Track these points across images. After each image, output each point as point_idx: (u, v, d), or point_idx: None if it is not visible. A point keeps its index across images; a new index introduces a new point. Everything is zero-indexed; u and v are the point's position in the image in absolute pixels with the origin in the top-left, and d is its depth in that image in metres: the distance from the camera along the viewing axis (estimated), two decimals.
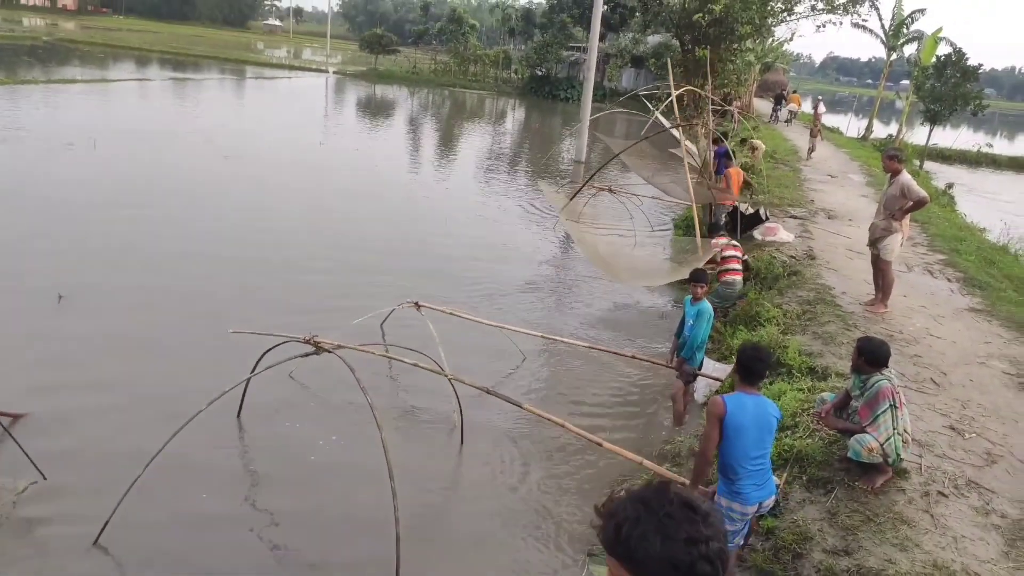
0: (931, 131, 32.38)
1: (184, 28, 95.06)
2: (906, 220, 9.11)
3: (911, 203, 8.89)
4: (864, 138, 38.51)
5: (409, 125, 34.52)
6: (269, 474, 6.50)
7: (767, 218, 13.74)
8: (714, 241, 10.56)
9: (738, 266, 10.19)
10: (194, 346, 8.72)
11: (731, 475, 4.49)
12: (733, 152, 17.49)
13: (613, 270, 11.99)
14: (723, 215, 13.58)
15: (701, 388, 8.42)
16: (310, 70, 58.19)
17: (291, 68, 58.08)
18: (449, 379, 6.71)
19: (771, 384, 7.34)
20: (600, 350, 9.27)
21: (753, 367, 4.53)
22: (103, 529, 5.30)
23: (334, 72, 57.37)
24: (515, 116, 44.77)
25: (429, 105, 45.51)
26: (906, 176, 8.97)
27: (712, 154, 15.81)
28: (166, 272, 10.99)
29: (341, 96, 44.50)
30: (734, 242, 10.59)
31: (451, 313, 8.44)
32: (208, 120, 26.50)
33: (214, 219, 14.07)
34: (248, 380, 6.69)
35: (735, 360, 4.78)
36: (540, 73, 55.00)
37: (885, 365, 5.40)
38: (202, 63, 53.32)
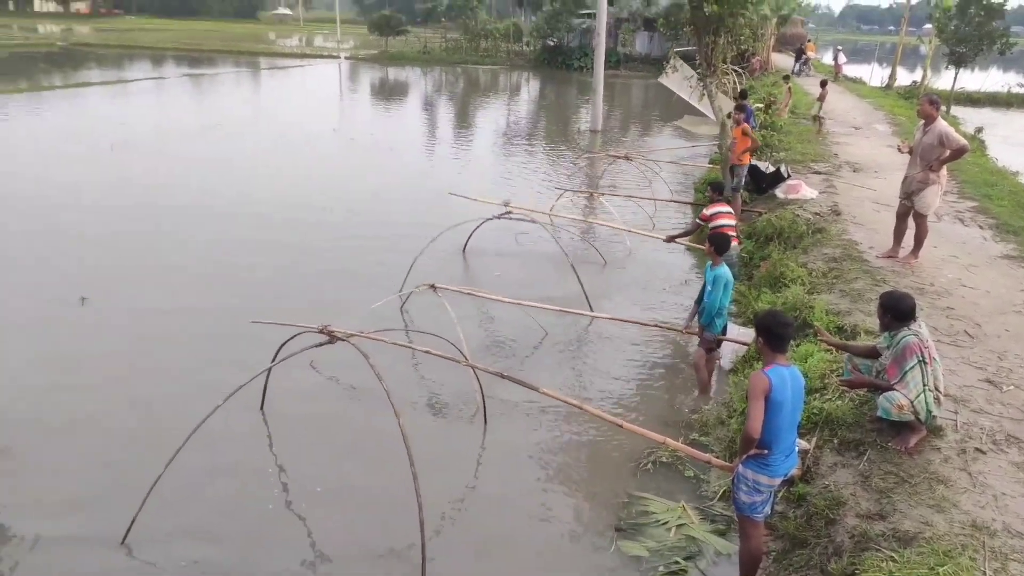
0: (957, 74, 31.36)
1: (196, 24, 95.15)
2: (943, 171, 8.69)
3: (949, 152, 8.43)
4: (888, 87, 37.42)
5: (424, 106, 34.26)
6: (292, 466, 6.48)
7: (788, 176, 13.41)
8: (707, 210, 9.70)
9: (732, 233, 9.51)
10: (214, 339, 8.74)
11: (765, 449, 4.38)
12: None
13: None
14: (744, 175, 13.24)
15: (727, 354, 8.26)
16: (322, 57, 57.99)
17: (303, 56, 57.88)
18: (466, 365, 6.65)
19: (797, 346, 7.17)
20: (622, 320, 9.14)
21: (781, 334, 4.39)
22: (130, 527, 5.34)
23: (346, 58, 57.06)
24: (529, 89, 44.21)
25: (443, 84, 45.10)
26: (943, 123, 8.49)
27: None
28: (189, 266, 11.05)
29: (355, 82, 44.28)
30: (728, 209, 9.73)
31: (469, 293, 8.36)
32: (224, 114, 26.55)
33: (231, 213, 14.09)
34: (268, 372, 6.70)
35: (756, 329, 4.63)
36: (552, 43, 54.10)
37: (912, 319, 5.20)
38: (216, 58, 53.36)
